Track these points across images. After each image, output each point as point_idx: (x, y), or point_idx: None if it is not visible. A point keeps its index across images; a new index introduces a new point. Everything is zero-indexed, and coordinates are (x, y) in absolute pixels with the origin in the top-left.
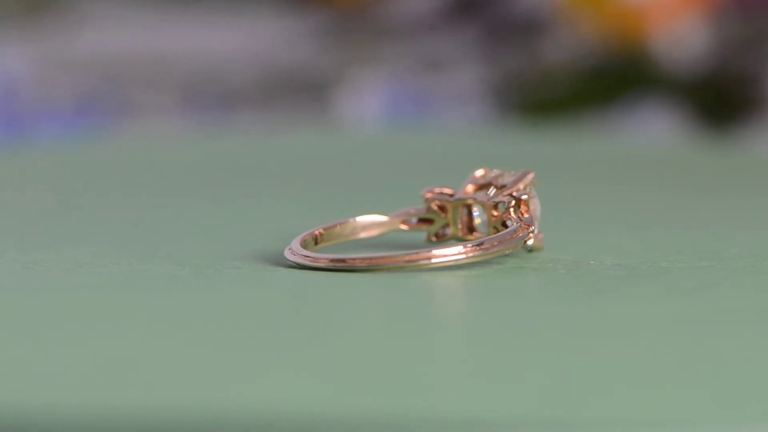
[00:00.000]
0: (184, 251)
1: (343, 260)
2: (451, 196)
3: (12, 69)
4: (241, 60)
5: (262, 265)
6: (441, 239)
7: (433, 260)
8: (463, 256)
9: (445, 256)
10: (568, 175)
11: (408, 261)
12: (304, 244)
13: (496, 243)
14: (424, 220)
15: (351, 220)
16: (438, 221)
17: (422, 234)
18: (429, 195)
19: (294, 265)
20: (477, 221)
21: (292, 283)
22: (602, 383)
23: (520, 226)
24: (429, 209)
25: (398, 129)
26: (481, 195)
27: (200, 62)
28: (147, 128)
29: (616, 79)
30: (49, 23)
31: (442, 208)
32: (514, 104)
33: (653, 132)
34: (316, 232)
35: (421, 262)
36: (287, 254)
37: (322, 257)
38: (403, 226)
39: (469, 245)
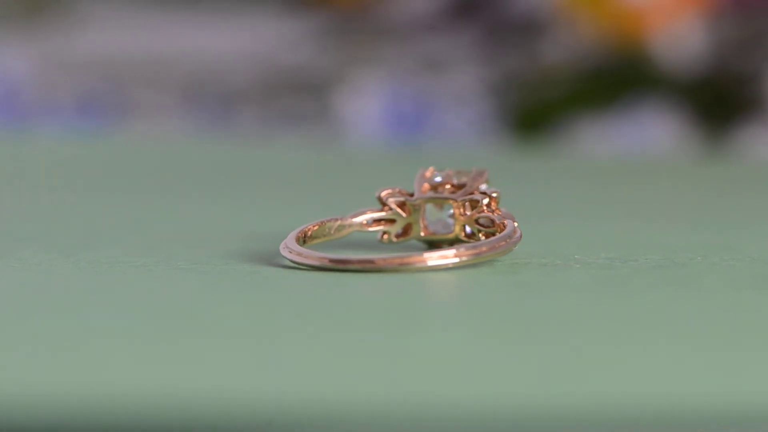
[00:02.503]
0: (194, 251)
1: (371, 261)
2: (411, 195)
3: (13, 69)
4: (241, 61)
5: (271, 267)
6: (400, 239)
7: (429, 263)
8: (457, 259)
9: (439, 259)
10: (559, 176)
11: (402, 263)
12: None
13: (491, 247)
14: (387, 220)
15: (331, 219)
16: (400, 221)
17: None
18: (385, 194)
19: (304, 267)
20: (425, 221)
21: (319, 284)
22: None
23: (515, 229)
24: (388, 209)
25: (396, 131)
26: (449, 194)
27: (201, 63)
28: (148, 128)
29: (615, 80)
30: (50, 24)
31: (403, 208)
32: (514, 104)
33: (652, 132)
34: (307, 230)
35: (418, 265)
36: (294, 257)
37: (354, 259)
38: (368, 227)
39: (463, 249)
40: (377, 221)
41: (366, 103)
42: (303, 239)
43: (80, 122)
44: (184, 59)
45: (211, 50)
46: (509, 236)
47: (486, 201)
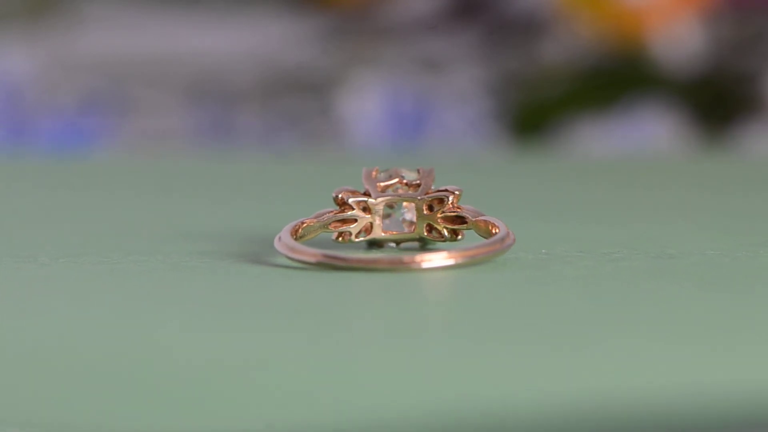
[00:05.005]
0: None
1: (377, 260)
2: (365, 194)
3: (15, 69)
4: (242, 61)
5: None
6: (360, 238)
7: (425, 264)
8: (452, 261)
9: (435, 260)
10: (558, 176)
11: (399, 263)
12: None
13: (486, 250)
14: (348, 220)
15: (306, 220)
16: (361, 221)
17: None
18: (344, 194)
19: (301, 264)
20: (378, 221)
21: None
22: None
23: (508, 232)
24: (349, 209)
25: (396, 131)
26: (411, 193)
27: (202, 63)
28: (149, 128)
29: (614, 80)
30: (53, 24)
31: (365, 209)
32: (513, 104)
33: (651, 132)
34: (298, 228)
35: (413, 266)
36: (298, 255)
37: (379, 258)
38: (334, 227)
39: (455, 251)
40: (340, 221)
41: (366, 103)
42: (295, 237)
43: (83, 122)
44: (185, 59)
45: (212, 50)
46: (503, 239)
47: (451, 199)
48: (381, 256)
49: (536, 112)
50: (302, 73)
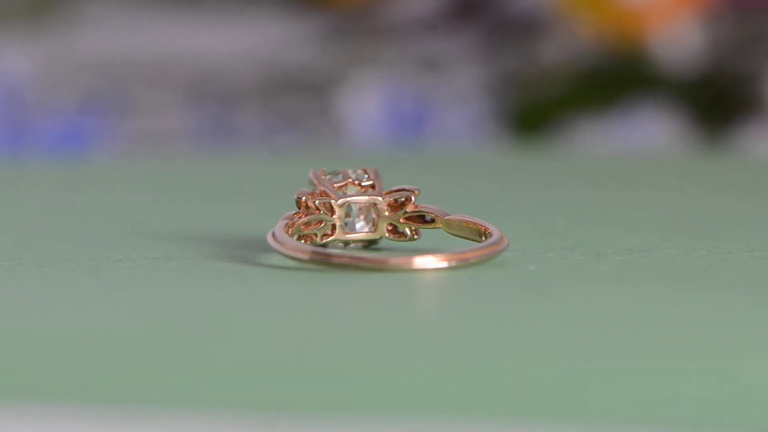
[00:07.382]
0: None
1: (383, 261)
2: (323, 195)
3: (15, 69)
4: (242, 61)
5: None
6: (326, 239)
7: (420, 266)
8: (446, 263)
9: (429, 262)
10: (558, 175)
11: (394, 264)
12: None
13: (480, 254)
14: (316, 222)
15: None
16: (327, 222)
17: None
18: (309, 196)
19: (293, 260)
20: (339, 222)
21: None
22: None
23: (502, 237)
24: (316, 210)
25: (396, 131)
26: (372, 192)
27: (202, 63)
28: (149, 128)
29: (613, 80)
30: (53, 24)
31: (329, 210)
32: (513, 104)
33: (651, 132)
34: (288, 228)
35: (406, 267)
36: (289, 251)
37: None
38: (306, 228)
39: (449, 254)
40: (309, 224)
41: (366, 103)
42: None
43: (83, 122)
44: (186, 59)
45: (212, 50)
46: (497, 243)
47: (413, 198)
48: (378, 256)
49: (536, 111)
50: (302, 73)
